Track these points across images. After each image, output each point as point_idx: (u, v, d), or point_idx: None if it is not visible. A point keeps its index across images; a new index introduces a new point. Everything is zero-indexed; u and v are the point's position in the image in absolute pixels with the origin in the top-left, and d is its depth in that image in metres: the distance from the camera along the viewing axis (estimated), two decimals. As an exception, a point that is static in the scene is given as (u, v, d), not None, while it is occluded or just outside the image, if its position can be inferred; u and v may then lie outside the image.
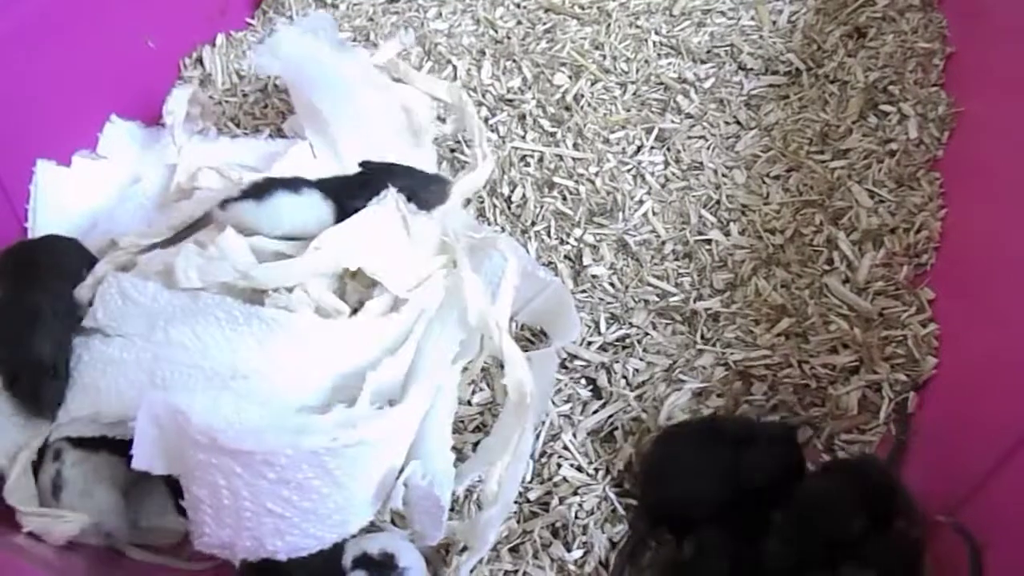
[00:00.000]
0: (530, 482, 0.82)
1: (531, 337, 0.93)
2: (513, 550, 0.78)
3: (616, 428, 0.85)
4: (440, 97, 1.10)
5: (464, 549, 0.76)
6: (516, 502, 0.80)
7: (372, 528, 0.76)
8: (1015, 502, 0.68)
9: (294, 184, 0.86)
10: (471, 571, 0.75)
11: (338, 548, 0.71)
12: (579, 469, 0.82)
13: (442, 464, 0.78)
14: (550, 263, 0.99)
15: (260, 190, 0.85)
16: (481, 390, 0.89)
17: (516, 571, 0.76)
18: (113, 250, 0.90)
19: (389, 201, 0.86)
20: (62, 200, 1.07)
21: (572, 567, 0.77)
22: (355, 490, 0.70)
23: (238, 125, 1.18)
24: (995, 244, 0.91)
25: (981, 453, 0.74)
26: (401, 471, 0.77)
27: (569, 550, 0.77)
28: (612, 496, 0.80)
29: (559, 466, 0.83)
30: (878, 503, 0.71)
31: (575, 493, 0.80)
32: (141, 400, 0.70)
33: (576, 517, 0.79)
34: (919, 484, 0.75)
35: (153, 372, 0.78)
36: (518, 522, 0.79)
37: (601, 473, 0.82)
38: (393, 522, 0.80)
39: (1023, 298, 0.81)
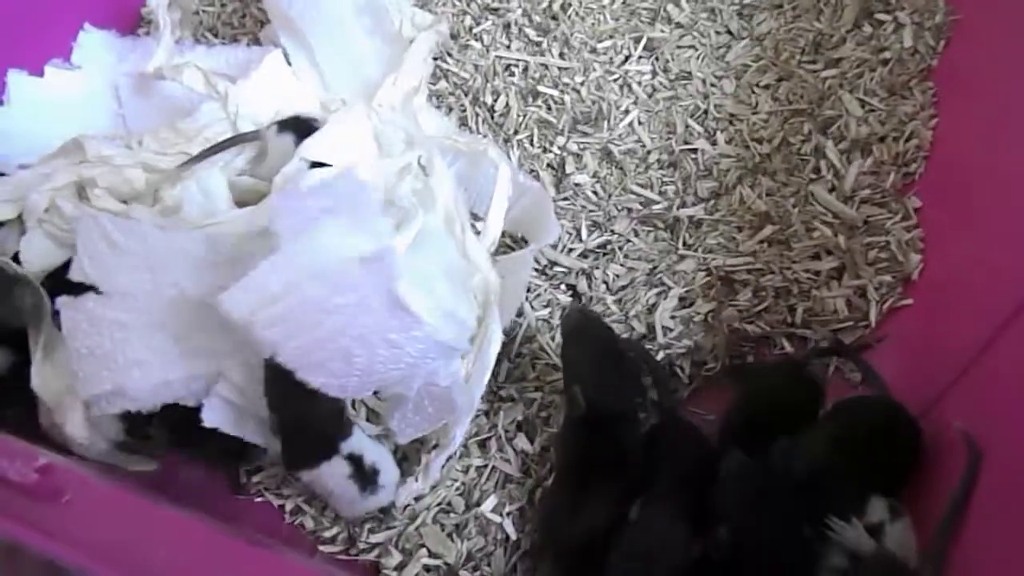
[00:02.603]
0: (503, 381, 0.82)
1: (511, 243, 0.92)
2: (481, 445, 0.78)
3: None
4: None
5: (435, 446, 0.76)
6: (488, 399, 0.80)
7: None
8: (995, 388, 0.69)
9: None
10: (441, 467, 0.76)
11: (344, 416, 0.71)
12: (555, 368, 0.82)
13: (455, 367, 0.76)
14: (532, 171, 0.97)
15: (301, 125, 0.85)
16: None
17: (485, 465, 0.77)
18: (76, 156, 0.87)
19: (358, 111, 0.84)
20: (36, 111, 1.06)
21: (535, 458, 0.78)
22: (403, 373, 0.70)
23: (216, 35, 1.16)
24: (986, 154, 0.90)
25: (961, 346, 0.74)
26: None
27: (532, 442, 0.77)
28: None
29: (534, 367, 0.82)
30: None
31: (538, 389, 0.80)
32: (169, 367, 0.68)
33: (539, 412, 0.79)
34: (906, 373, 0.77)
35: (177, 333, 0.71)
36: (487, 417, 0.79)
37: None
38: (368, 419, 0.80)
39: (1009, 207, 0.80)
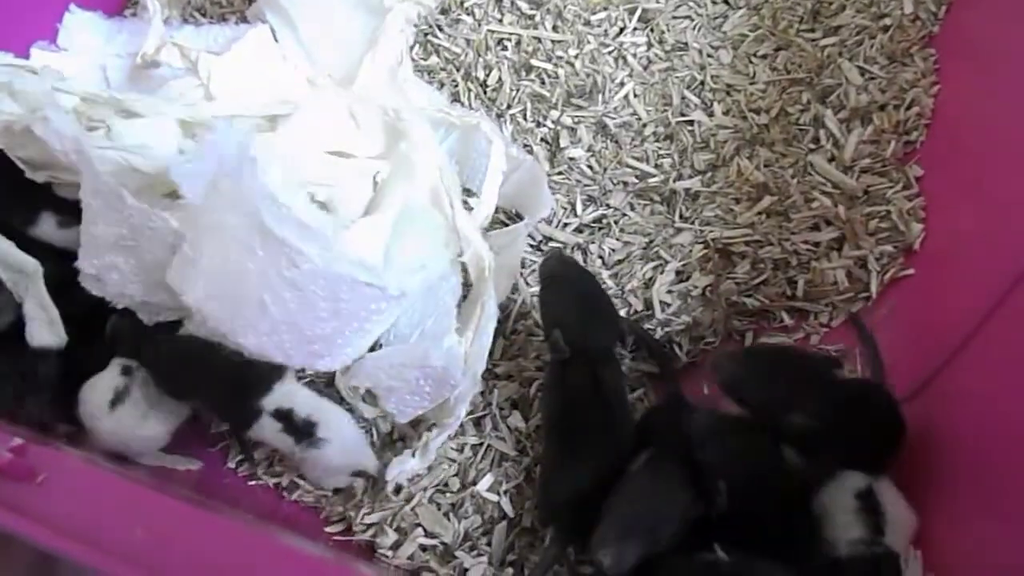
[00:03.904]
0: (499, 359, 0.81)
1: (506, 220, 0.91)
2: (476, 423, 0.77)
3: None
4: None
5: (432, 426, 0.75)
6: (484, 378, 0.79)
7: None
8: (997, 357, 0.67)
9: None
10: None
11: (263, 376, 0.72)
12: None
13: (452, 345, 0.76)
14: (526, 146, 0.95)
15: None
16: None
17: (480, 444, 0.76)
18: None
19: (330, 92, 0.82)
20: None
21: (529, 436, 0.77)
22: (346, 330, 0.69)
23: (204, 15, 1.14)
24: (988, 121, 0.88)
25: (964, 315, 0.72)
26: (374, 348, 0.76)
27: (526, 420, 0.76)
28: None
29: (530, 344, 0.81)
30: None
31: (538, 369, 0.79)
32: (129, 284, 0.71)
33: (537, 390, 0.78)
34: (909, 342, 0.76)
35: (147, 263, 0.74)
36: (483, 395, 0.78)
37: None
38: (364, 400, 0.79)
39: (1011, 175, 0.79)
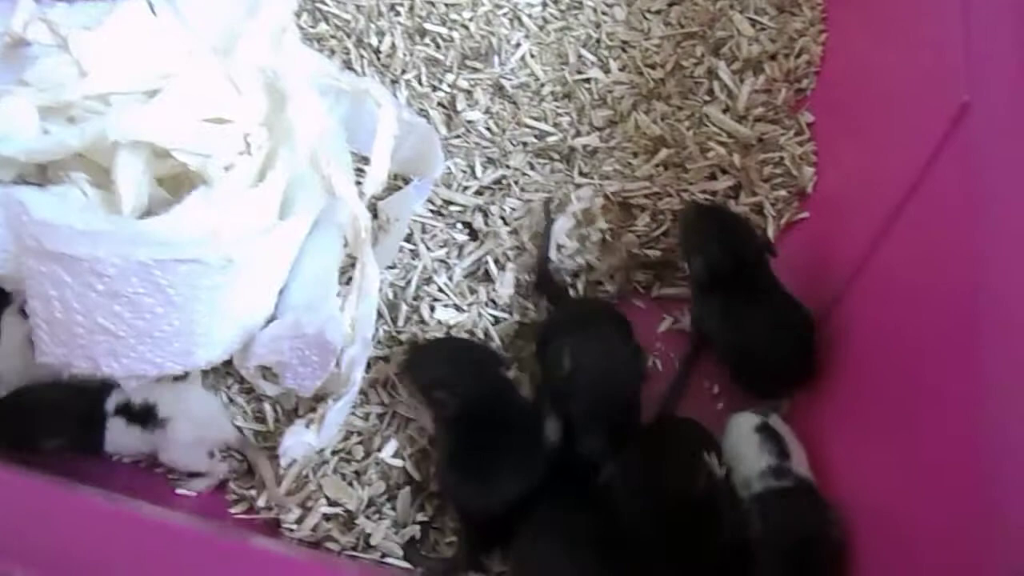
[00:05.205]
0: (402, 325, 0.79)
1: (403, 186, 0.89)
2: (379, 391, 0.76)
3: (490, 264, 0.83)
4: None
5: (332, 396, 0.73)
6: (386, 344, 0.77)
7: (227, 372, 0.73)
8: (883, 286, 0.69)
9: None
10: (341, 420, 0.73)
11: (99, 390, 0.71)
12: (457, 308, 0.80)
13: (331, 311, 0.74)
14: (422, 111, 0.93)
15: None
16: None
17: (385, 412, 0.74)
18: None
19: (204, 60, 0.79)
20: None
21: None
22: (197, 316, 0.66)
23: (80, -9, 1.08)
24: (871, 65, 0.90)
25: (852, 251, 0.74)
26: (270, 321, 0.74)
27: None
28: (489, 326, 0.78)
29: (433, 309, 0.80)
30: None
31: (448, 334, 0.78)
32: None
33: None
34: (805, 281, 0.78)
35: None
36: (386, 362, 0.77)
37: (476, 308, 0.80)
38: (264, 377, 0.76)
39: (890, 114, 0.81)
